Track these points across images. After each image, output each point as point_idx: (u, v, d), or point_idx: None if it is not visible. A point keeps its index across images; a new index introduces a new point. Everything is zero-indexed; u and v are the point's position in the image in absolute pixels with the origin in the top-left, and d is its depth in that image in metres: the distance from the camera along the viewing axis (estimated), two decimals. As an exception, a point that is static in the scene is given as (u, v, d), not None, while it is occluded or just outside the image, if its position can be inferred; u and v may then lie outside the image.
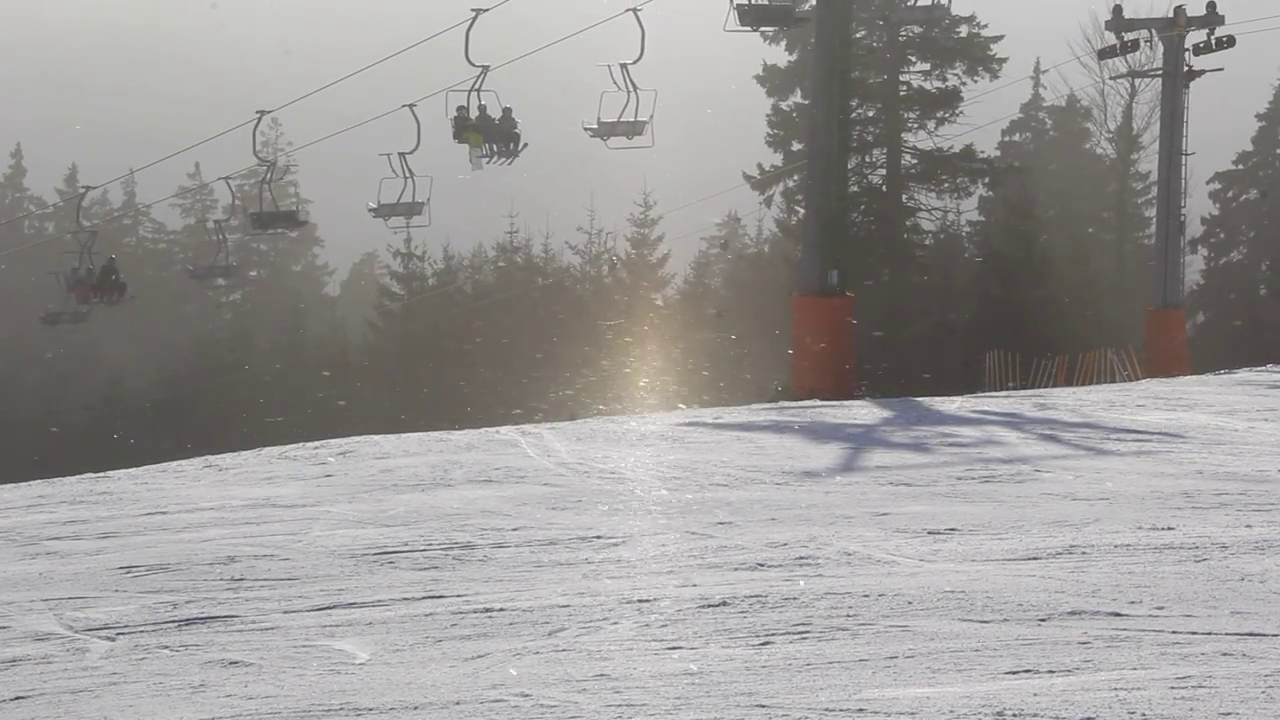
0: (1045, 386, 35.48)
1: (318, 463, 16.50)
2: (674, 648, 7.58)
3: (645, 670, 7.16)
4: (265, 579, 9.98)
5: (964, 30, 56.48)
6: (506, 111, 29.63)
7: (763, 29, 31.76)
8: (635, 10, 28.52)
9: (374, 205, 31.82)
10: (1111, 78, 62.84)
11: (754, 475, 14.11)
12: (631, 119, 29.36)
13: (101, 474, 17.40)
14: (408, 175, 31.60)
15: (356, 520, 12.30)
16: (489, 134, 29.53)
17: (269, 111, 29.93)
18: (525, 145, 29.82)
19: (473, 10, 27.87)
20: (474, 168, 29.87)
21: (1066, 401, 20.96)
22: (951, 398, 23.13)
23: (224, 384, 66.38)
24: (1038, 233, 60.29)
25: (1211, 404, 19.53)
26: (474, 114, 29.46)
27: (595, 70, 29.13)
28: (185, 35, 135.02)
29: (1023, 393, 25.55)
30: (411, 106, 30.58)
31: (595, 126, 29.64)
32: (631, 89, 29.21)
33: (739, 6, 28.27)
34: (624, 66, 29.04)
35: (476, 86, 29.00)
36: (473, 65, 28.47)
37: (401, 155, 31.79)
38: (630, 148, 30.08)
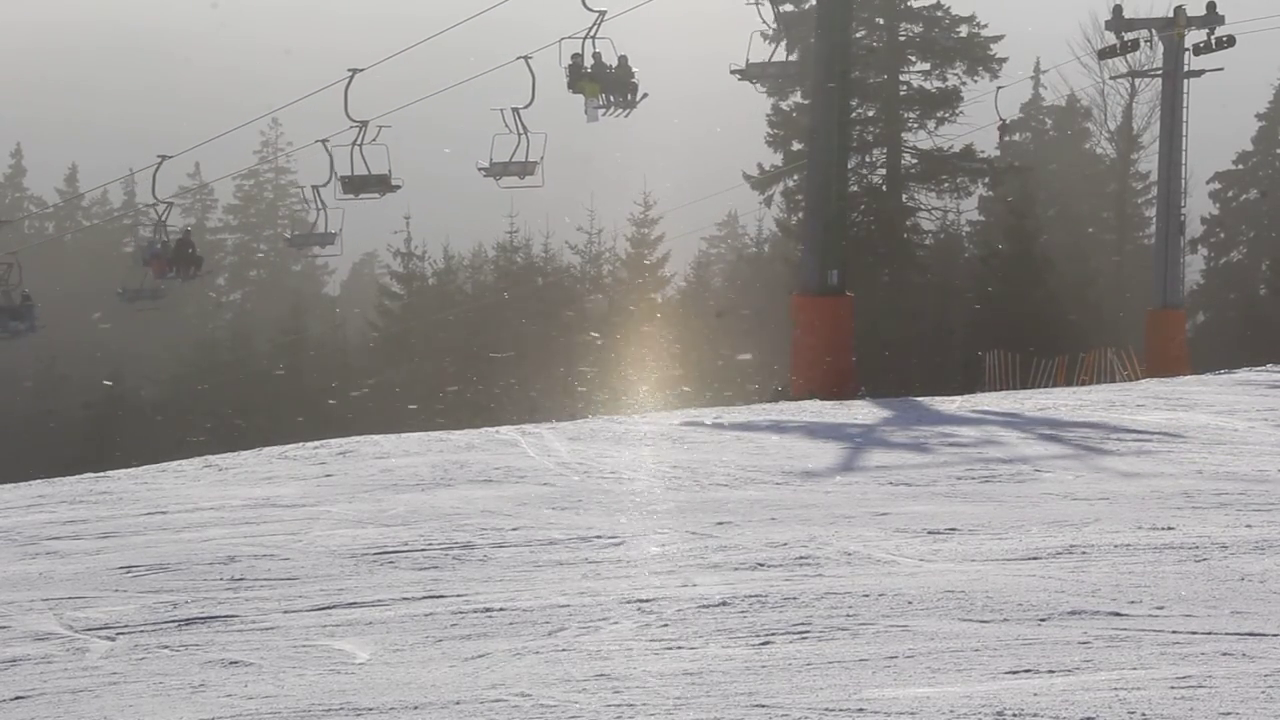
0: (1045, 386, 35.48)
1: (318, 463, 16.50)
2: (674, 648, 7.58)
3: (645, 670, 7.16)
4: (265, 579, 9.98)
5: (964, 30, 56.47)
6: (623, 59, 28.51)
7: None
8: (526, 58, 28.71)
9: (289, 235, 32.03)
10: (1111, 78, 62.86)
11: (754, 475, 14.11)
12: (523, 159, 29.72)
13: (101, 474, 17.41)
14: (320, 207, 31.90)
15: (356, 520, 12.30)
16: (606, 84, 28.53)
17: (361, 70, 29.03)
18: (645, 95, 28.99)
19: None
20: (589, 119, 28.93)
21: (1066, 401, 20.96)
22: (951, 398, 23.13)
23: (224, 383, 66.37)
24: (1038, 232, 60.30)
25: (1211, 404, 19.52)
26: (589, 63, 28.42)
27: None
28: (185, 35, 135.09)
29: (1023, 392, 25.55)
30: (324, 142, 30.64)
31: (488, 166, 29.91)
32: (523, 131, 29.65)
33: None
34: (515, 110, 29.48)
35: (591, 33, 27.98)
36: (589, 10, 27.74)
37: (315, 188, 32.23)
38: (522, 187, 30.54)
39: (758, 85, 29.30)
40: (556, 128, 29.71)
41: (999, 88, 45.85)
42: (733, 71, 29.17)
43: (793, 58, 55.39)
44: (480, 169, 30.40)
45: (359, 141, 30.30)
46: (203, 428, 58.68)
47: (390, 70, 29.10)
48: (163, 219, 35.02)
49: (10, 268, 36.36)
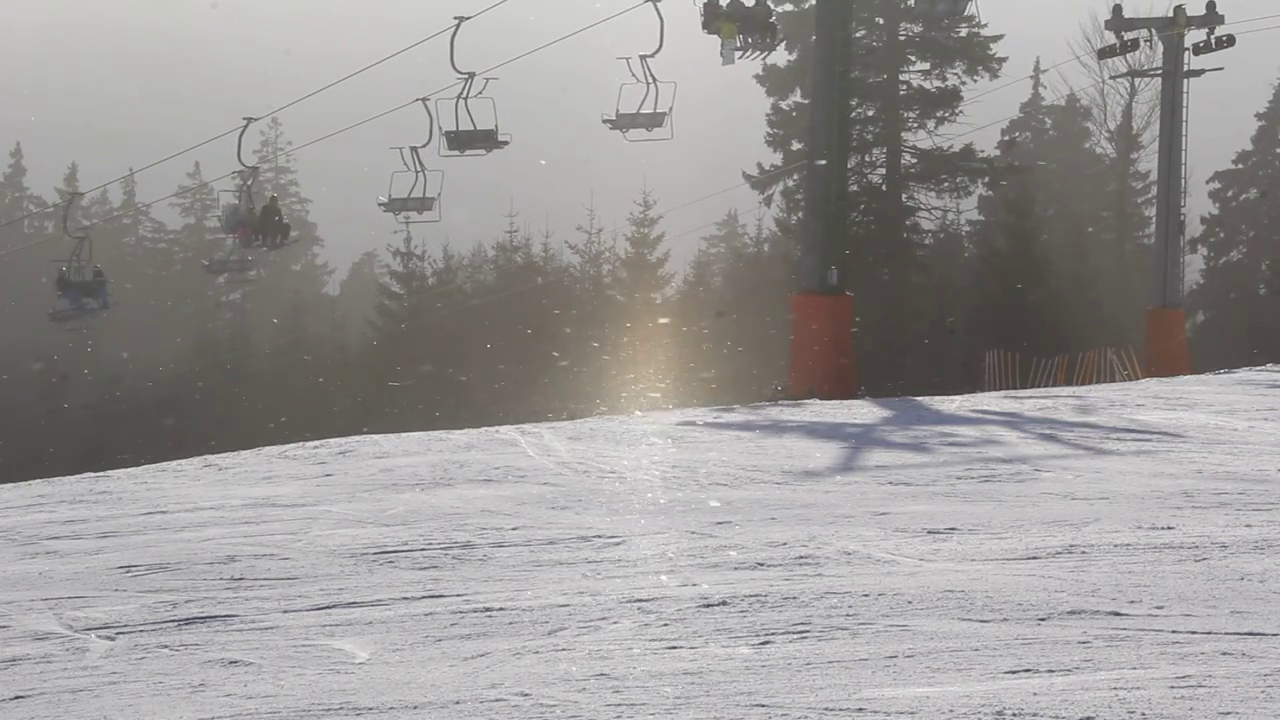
0: (1045, 386, 35.46)
1: (318, 462, 16.50)
2: (674, 648, 7.58)
3: (645, 670, 7.16)
4: (265, 579, 9.98)
5: (964, 30, 56.42)
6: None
7: None
8: (424, 100, 28.55)
9: (206, 262, 31.59)
10: (1111, 77, 62.83)
11: (754, 475, 14.11)
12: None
13: (101, 474, 17.41)
14: (419, 169, 31.11)
15: (356, 520, 12.30)
16: (743, 23, 27.54)
17: (468, 18, 28.31)
18: (784, 38, 28.25)
19: None
20: (724, 61, 27.79)
21: (1066, 401, 20.96)
22: (951, 398, 23.13)
23: (224, 383, 66.35)
24: (1038, 232, 60.27)
25: (1211, 404, 19.52)
26: (725, 1, 27.51)
27: (595, 69, 29.05)
28: (185, 35, 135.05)
29: (1023, 392, 25.55)
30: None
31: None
32: (420, 169, 29.36)
33: None
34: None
35: None
36: None
37: (233, 209, 31.86)
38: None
39: (626, 133, 29.27)
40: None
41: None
42: (604, 120, 29.13)
43: (793, 58, 55.69)
44: (380, 204, 30.47)
45: (465, 95, 29.04)
46: (201, 428, 58.66)
47: (388, 70, 28.98)
48: (248, 185, 34.17)
49: (82, 242, 35.59)
